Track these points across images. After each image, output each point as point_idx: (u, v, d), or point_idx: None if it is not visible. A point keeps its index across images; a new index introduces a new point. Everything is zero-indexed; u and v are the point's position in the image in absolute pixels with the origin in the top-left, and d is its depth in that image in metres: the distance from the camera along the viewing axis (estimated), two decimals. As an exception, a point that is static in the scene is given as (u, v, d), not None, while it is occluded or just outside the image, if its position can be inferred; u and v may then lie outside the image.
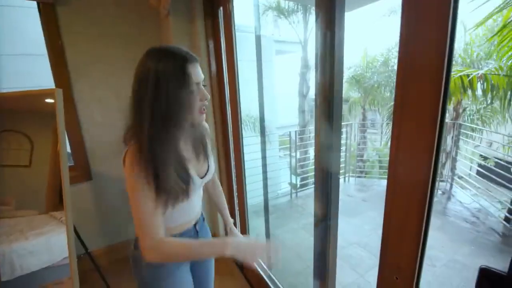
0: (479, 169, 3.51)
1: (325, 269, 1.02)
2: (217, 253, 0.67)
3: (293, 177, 4.30)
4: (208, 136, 0.89)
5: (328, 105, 0.85)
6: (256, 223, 3.23)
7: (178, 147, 0.71)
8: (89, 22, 1.67)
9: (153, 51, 0.65)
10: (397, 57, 0.58)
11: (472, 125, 4.26)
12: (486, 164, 3.51)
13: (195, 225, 0.88)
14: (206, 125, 0.88)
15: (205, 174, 0.83)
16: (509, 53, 2.95)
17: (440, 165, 4.02)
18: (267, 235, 1.68)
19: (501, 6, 2.40)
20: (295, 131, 4.25)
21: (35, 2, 1.54)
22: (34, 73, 4.09)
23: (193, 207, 0.85)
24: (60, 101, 1.16)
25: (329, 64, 0.81)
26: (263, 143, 1.69)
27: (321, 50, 0.81)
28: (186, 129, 0.74)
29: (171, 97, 0.62)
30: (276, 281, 1.53)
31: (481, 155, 3.96)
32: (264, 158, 1.59)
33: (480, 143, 4.46)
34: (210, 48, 1.67)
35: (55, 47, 1.61)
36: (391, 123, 0.65)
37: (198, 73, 0.67)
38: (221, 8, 1.50)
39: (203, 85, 0.70)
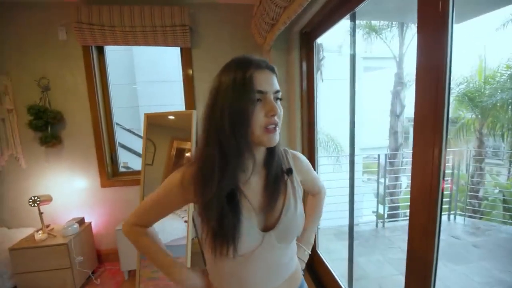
0: None
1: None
2: (167, 275, 0.63)
3: (380, 205, 3.89)
4: (299, 171, 0.67)
5: (432, 127, 0.76)
6: (335, 246, 3.11)
7: (234, 176, 0.54)
8: (210, 58, 2.19)
9: (225, 64, 0.57)
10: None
11: None
12: None
13: None
14: (299, 155, 0.69)
15: (274, 227, 0.58)
16: None
17: None
18: (350, 260, 1.64)
19: None
20: (385, 154, 3.89)
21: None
22: (163, 95, 5.46)
23: (251, 277, 0.58)
24: (195, 119, 1.58)
25: (434, 80, 0.73)
26: (352, 163, 1.67)
27: (423, 65, 0.76)
28: (255, 156, 0.56)
29: (226, 107, 0.51)
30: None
31: None
32: (352, 179, 1.58)
33: None
34: (303, 70, 1.80)
35: (188, 78, 2.19)
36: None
37: (265, 79, 0.52)
38: (317, 40, 1.67)
39: (276, 98, 0.54)
